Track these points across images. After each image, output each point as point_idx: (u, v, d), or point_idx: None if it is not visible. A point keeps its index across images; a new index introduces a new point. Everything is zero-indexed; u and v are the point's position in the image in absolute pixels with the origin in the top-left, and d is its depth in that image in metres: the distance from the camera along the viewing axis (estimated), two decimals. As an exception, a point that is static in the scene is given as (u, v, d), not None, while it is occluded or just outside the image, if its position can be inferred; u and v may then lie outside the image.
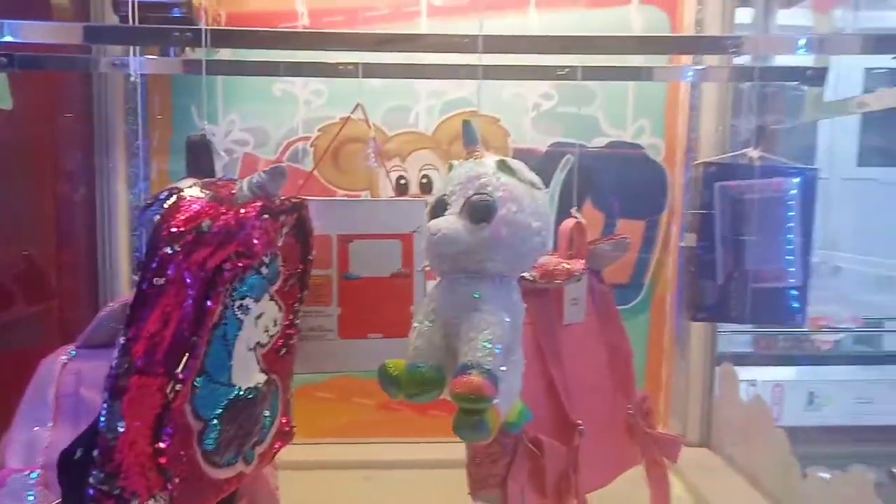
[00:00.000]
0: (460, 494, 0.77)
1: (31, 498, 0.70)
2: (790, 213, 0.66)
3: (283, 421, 0.70)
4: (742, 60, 1.04)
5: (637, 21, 1.10)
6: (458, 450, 0.76)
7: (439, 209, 0.61)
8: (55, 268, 1.02)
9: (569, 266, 0.75)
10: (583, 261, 0.76)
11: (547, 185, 1.12)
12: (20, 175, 0.96)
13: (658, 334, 1.13)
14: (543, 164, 1.11)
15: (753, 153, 0.67)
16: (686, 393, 1.09)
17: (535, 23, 1.10)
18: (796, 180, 0.69)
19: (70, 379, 0.73)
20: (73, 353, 0.75)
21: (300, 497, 0.75)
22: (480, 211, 0.58)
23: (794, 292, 0.68)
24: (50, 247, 1.01)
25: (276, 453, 0.70)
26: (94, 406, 0.66)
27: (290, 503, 0.79)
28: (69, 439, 0.71)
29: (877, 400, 1.49)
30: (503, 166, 0.61)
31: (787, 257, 0.66)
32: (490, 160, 0.62)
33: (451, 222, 0.59)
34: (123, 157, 1.05)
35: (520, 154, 1.11)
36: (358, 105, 0.82)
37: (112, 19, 1.01)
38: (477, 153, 0.64)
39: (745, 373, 1.50)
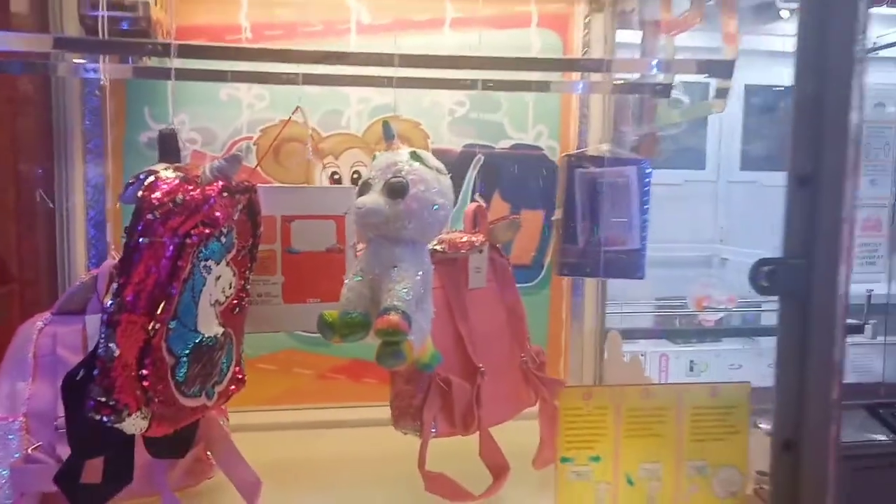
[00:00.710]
0: (387, 447, 0.92)
1: (14, 441, 0.82)
2: (630, 193, 0.86)
3: (237, 369, 0.85)
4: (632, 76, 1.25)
5: (535, 41, 1.30)
6: (385, 412, 0.91)
7: (365, 189, 0.78)
8: (16, 254, 1.11)
9: (471, 240, 0.93)
10: (483, 236, 0.94)
11: (462, 179, 1.31)
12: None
13: (557, 307, 1.33)
14: (458, 161, 1.28)
15: (604, 147, 0.86)
16: (581, 356, 1.29)
17: (449, 40, 1.28)
18: (647, 169, 0.89)
19: (47, 341, 0.85)
20: (49, 318, 0.87)
21: (248, 456, 0.87)
22: (396, 189, 0.75)
23: (635, 253, 0.88)
24: (11, 235, 1.11)
25: (231, 395, 0.84)
26: (70, 364, 0.79)
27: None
28: (48, 393, 0.84)
29: (746, 366, 1.75)
30: (415, 156, 0.79)
31: (629, 227, 0.86)
32: (404, 151, 0.79)
33: (374, 199, 0.76)
34: (80, 154, 1.16)
35: (437, 153, 1.27)
36: (298, 108, 0.97)
37: (69, 27, 1.12)
38: (394, 146, 0.81)
39: (638, 346, 1.74)
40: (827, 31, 0.62)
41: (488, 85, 1.01)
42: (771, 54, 2.17)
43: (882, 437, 1.41)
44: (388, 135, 0.82)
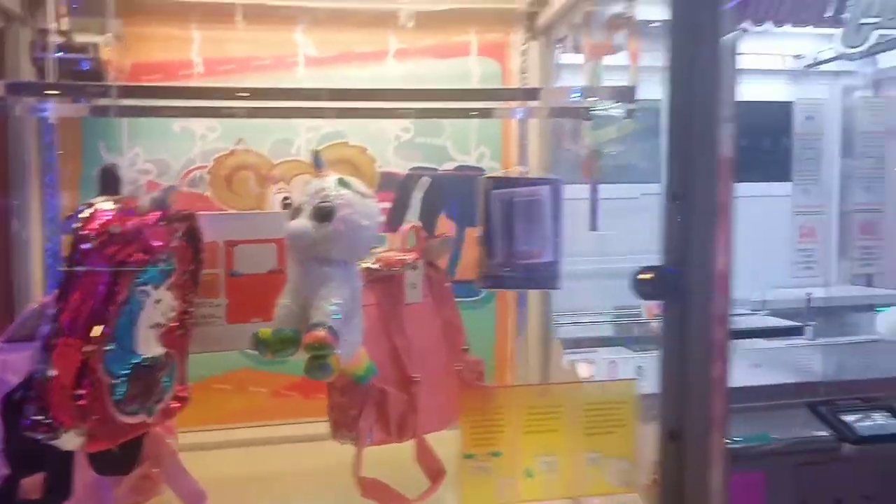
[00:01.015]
0: (338, 459, 0.96)
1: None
2: (543, 211, 0.93)
3: (180, 388, 0.89)
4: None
5: (475, 69, 1.38)
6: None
7: (295, 214, 0.83)
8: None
9: (404, 258, 0.99)
10: (416, 254, 1.00)
11: (408, 200, 1.37)
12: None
13: (503, 320, 1.39)
14: (405, 184, 1.35)
15: (520, 169, 0.93)
16: (526, 365, 1.35)
17: (392, 71, 1.35)
18: (561, 188, 0.97)
19: (-3, 367, 0.89)
20: (0, 346, 0.91)
21: (205, 473, 0.91)
22: (324, 213, 0.81)
23: (551, 266, 0.95)
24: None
25: (174, 412, 0.88)
26: (20, 388, 0.83)
27: (200, 479, 0.93)
28: (-3, 417, 0.87)
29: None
30: (341, 182, 0.85)
31: (544, 241, 0.93)
32: (332, 178, 0.85)
33: (302, 223, 0.81)
34: (38, 188, 1.21)
35: (385, 177, 1.35)
36: (240, 140, 1.03)
37: (25, 64, 1.18)
38: (323, 173, 0.87)
39: (595, 354, 1.80)
40: (695, 52, 0.69)
41: (441, 113, 1.08)
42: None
43: (823, 433, 1.47)
44: (317, 163, 0.88)
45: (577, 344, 1.74)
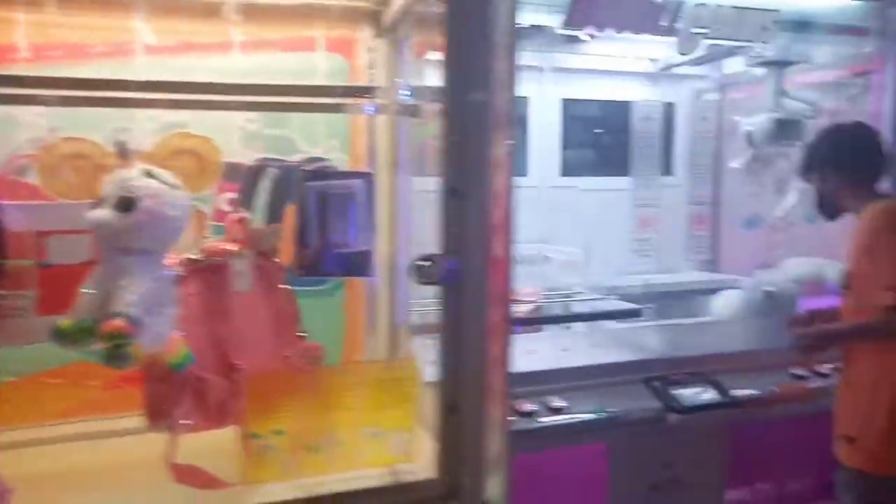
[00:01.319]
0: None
1: None
2: (357, 202, 0.98)
3: (-18, 384, 0.87)
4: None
5: (323, 64, 1.40)
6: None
7: (98, 204, 0.83)
8: None
9: (227, 248, 1.00)
10: (239, 244, 1.02)
11: (254, 190, 1.36)
12: None
13: (353, 308, 1.42)
14: (250, 174, 1.34)
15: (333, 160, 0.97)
16: (375, 351, 1.39)
17: (238, 62, 1.34)
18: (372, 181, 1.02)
19: None
20: None
21: (31, 470, 0.88)
22: (125, 203, 0.81)
23: (365, 254, 1.00)
24: None
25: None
26: None
27: (23, 477, 0.92)
28: None
29: (540, 351, 1.92)
30: (147, 173, 0.85)
31: (357, 231, 0.97)
32: (138, 168, 0.85)
33: (104, 213, 0.81)
34: None
35: (230, 167, 1.34)
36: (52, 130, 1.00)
37: None
38: (129, 164, 0.87)
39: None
40: (467, 61, 0.75)
41: (269, 107, 1.09)
42: (584, 71, 2.39)
43: (653, 405, 1.62)
44: (121, 152, 0.87)
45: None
